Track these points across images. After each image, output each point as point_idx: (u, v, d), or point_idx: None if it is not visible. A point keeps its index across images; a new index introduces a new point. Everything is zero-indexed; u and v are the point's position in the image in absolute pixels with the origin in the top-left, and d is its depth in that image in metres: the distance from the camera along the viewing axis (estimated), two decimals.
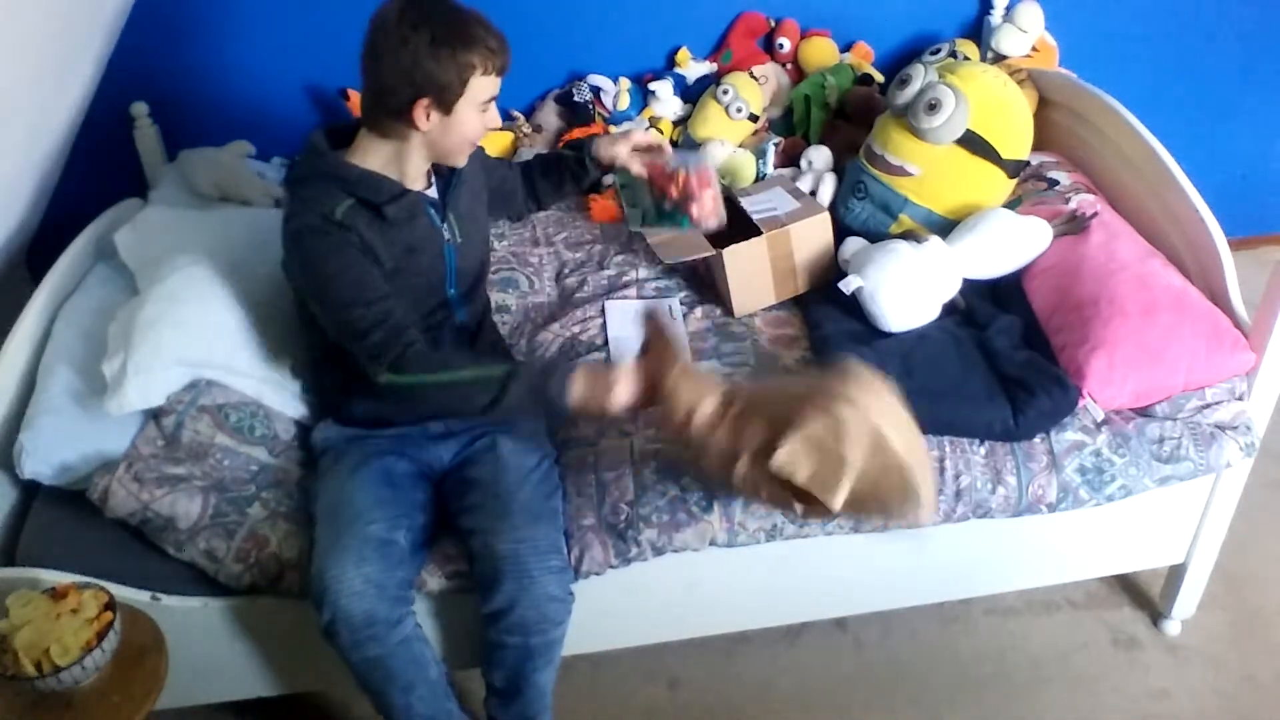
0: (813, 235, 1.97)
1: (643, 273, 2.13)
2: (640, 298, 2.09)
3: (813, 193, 2.19)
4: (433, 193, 1.63)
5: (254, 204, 2.23)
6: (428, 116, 1.47)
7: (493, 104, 1.53)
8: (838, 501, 1.31)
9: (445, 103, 1.46)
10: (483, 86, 1.47)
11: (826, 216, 1.99)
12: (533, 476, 1.60)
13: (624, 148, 1.74)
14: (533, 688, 1.58)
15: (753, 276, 1.96)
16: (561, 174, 1.83)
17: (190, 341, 1.67)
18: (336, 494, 1.56)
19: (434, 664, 1.55)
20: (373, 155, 1.54)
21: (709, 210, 1.71)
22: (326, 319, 1.53)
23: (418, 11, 1.43)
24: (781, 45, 2.55)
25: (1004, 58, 2.45)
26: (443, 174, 1.65)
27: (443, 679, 1.58)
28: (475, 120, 1.50)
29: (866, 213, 2.05)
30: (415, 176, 1.58)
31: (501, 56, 1.47)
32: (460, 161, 1.59)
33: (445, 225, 1.62)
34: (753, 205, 2.02)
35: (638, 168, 1.73)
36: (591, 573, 1.60)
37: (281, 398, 1.76)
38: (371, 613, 1.44)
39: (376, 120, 1.52)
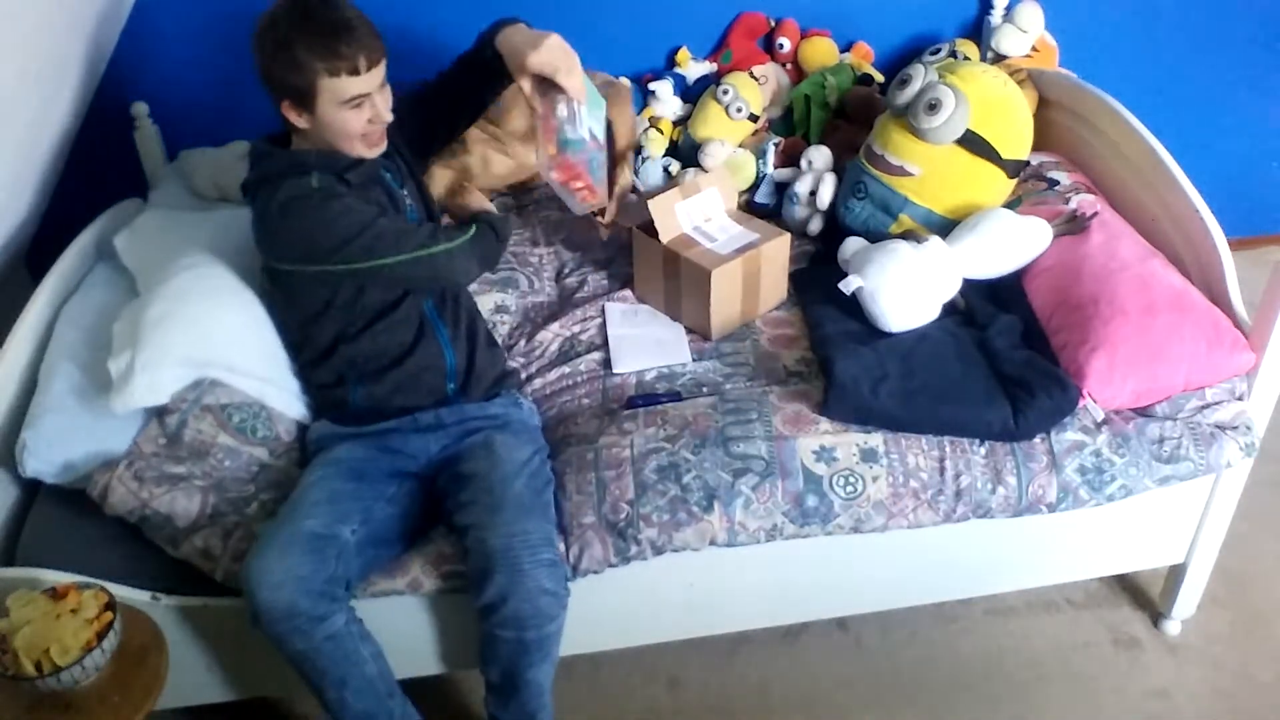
0: (777, 255, 1.98)
1: None
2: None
3: (813, 193, 2.19)
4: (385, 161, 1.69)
5: None
6: (299, 114, 1.55)
7: (370, 99, 1.54)
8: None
9: (304, 103, 1.53)
10: (337, 88, 1.50)
11: (788, 238, 1.99)
12: (525, 470, 1.60)
13: (526, 82, 1.60)
14: (529, 684, 1.58)
15: (729, 296, 1.94)
16: (479, 93, 1.77)
17: (197, 340, 1.68)
18: (296, 490, 1.59)
19: (371, 661, 1.54)
20: (306, 146, 1.62)
21: (576, 202, 1.68)
22: (353, 259, 1.57)
23: (271, 17, 1.50)
24: (781, 45, 2.56)
25: (1004, 58, 2.45)
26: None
27: (383, 676, 1.57)
28: (343, 117, 1.54)
29: (866, 213, 2.05)
30: None
31: (351, 60, 1.48)
32: (361, 152, 1.60)
33: (405, 190, 1.70)
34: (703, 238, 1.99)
35: (535, 105, 1.62)
36: (591, 571, 1.60)
37: (284, 399, 1.76)
38: (292, 605, 1.43)
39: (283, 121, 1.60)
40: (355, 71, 1.49)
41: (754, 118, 2.43)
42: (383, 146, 1.63)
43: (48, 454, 1.60)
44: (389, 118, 1.58)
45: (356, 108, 1.53)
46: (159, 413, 1.67)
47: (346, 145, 1.59)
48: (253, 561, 1.45)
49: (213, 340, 1.69)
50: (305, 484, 1.59)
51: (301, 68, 1.48)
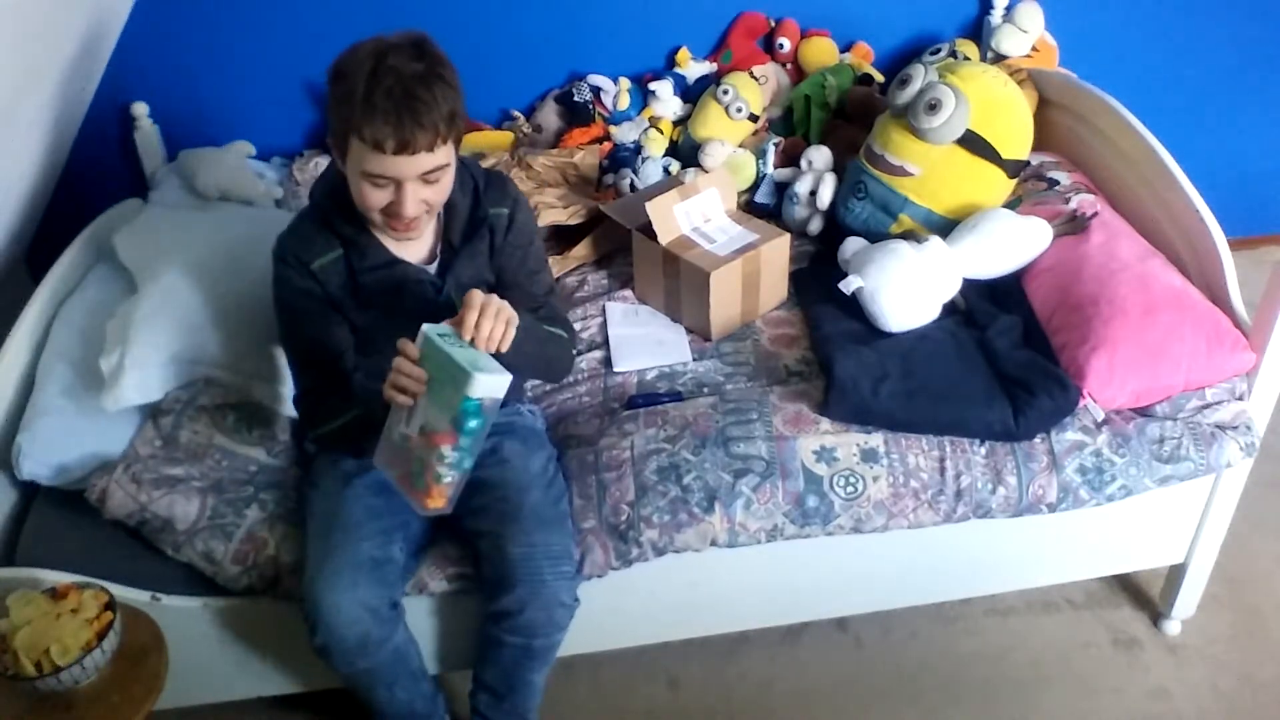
0: (776, 255, 1.97)
1: None
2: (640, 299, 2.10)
3: (813, 193, 2.19)
4: (433, 268, 1.54)
5: (255, 204, 2.23)
6: (337, 154, 1.40)
7: (396, 186, 1.36)
8: None
9: (338, 148, 1.38)
10: (361, 156, 1.33)
11: (787, 238, 1.99)
12: (541, 479, 1.60)
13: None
14: (527, 686, 1.59)
15: (729, 298, 1.93)
16: None
17: (187, 337, 1.67)
18: (328, 506, 1.55)
19: (416, 656, 1.58)
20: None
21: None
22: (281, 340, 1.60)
23: (363, 46, 1.33)
24: (781, 45, 2.56)
25: (1004, 58, 2.45)
26: (452, 240, 1.54)
27: (421, 664, 1.60)
28: (361, 187, 1.37)
29: (866, 213, 2.05)
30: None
31: (390, 139, 1.29)
32: (381, 228, 1.45)
33: (443, 296, 1.53)
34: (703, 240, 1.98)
35: None
36: (593, 575, 1.60)
37: (279, 396, 1.76)
38: (365, 634, 1.45)
39: None
40: (380, 148, 1.30)
41: (754, 118, 2.43)
42: (413, 235, 1.46)
43: (43, 457, 1.60)
44: (409, 213, 1.39)
45: (376, 185, 1.36)
46: (154, 414, 1.66)
47: (366, 214, 1.44)
48: (322, 596, 1.43)
49: (205, 337, 1.68)
50: (334, 501, 1.53)
51: (344, 119, 1.32)
